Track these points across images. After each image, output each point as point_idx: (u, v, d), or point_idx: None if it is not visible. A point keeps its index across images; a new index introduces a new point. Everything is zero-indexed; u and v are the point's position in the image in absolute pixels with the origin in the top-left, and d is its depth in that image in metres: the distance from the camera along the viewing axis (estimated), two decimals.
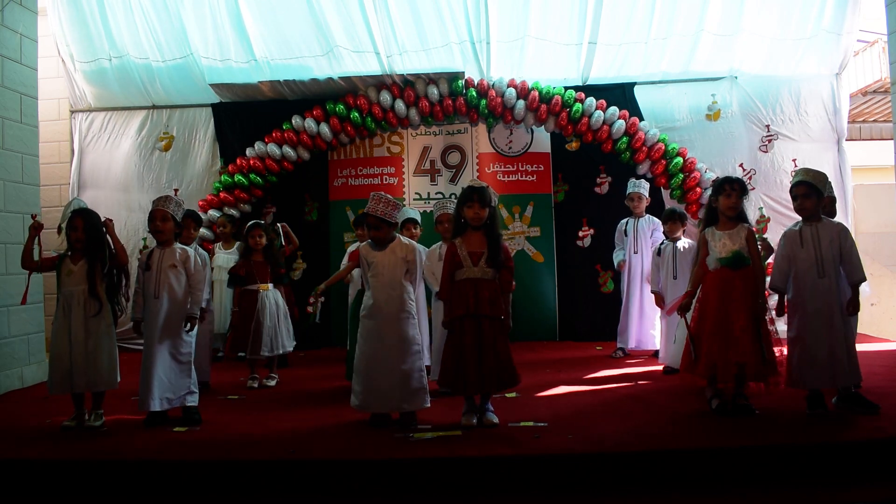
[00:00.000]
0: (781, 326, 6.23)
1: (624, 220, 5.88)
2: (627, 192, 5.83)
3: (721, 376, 3.65)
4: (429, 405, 3.63)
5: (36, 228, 3.81)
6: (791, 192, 3.75)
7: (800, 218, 3.74)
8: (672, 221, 5.02)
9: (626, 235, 5.79)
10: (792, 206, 6.47)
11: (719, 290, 3.67)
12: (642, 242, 5.66)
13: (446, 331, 3.65)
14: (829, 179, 3.81)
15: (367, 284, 3.72)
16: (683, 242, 5.03)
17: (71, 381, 3.70)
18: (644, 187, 5.82)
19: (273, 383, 4.96)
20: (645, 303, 5.56)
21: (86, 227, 3.75)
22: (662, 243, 5.15)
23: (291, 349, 5.18)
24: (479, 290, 3.51)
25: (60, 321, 3.73)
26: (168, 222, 3.81)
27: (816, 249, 3.60)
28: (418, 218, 5.18)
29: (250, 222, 5.18)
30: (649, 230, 5.68)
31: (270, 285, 5.02)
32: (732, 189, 3.74)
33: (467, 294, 3.51)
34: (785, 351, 3.77)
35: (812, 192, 3.65)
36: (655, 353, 5.41)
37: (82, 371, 3.69)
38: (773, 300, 6.23)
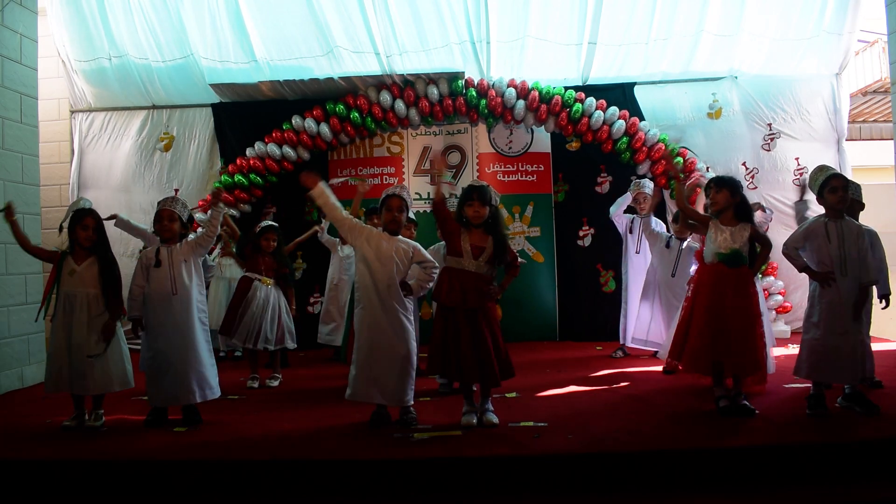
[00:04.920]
0: (782, 326, 6.28)
1: (629, 216, 5.78)
2: (631, 192, 5.76)
3: (718, 373, 3.67)
4: (411, 402, 3.66)
5: (8, 212, 3.79)
6: (830, 184, 3.68)
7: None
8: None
9: (630, 233, 5.76)
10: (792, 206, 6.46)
11: (712, 286, 3.68)
12: (645, 243, 5.63)
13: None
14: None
15: (367, 267, 3.64)
16: (691, 243, 5.02)
17: (69, 382, 3.69)
18: (647, 186, 5.79)
19: (276, 384, 4.96)
20: (657, 301, 5.29)
21: (97, 226, 3.77)
22: (672, 236, 5.13)
23: (272, 348, 5.02)
24: (474, 283, 3.55)
25: (60, 320, 3.72)
26: (175, 222, 3.83)
27: (841, 248, 3.61)
28: (414, 218, 5.19)
29: (264, 224, 5.19)
30: (659, 227, 5.63)
31: (271, 281, 5.05)
32: (709, 188, 3.82)
33: (457, 287, 3.54)
34: (784, 348, 3.78)
35: (849, 188, 3.69)
36: (655, 353, 5.39)
37: (83, 374, 3.67)
38: (772, 301, 6.27)
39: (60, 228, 3.85)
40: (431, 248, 4.58)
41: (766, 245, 3.81)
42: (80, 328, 3.69)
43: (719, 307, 3.63)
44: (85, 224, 3.75)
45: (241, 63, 6.73)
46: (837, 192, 3.67)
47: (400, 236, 3.76)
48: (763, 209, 5.13)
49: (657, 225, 5.51)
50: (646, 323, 5.36)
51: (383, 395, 3.61)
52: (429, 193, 6.92)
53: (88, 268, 3.74)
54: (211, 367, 3.85)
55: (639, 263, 5.65)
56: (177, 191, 6.98)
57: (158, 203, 3.89)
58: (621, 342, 5.77)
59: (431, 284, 3.72)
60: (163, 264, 3.76)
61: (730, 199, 3.74)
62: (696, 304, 3.76)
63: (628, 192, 5.67)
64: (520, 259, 3.85)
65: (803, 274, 3.75)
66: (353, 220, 3.77)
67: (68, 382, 3.70)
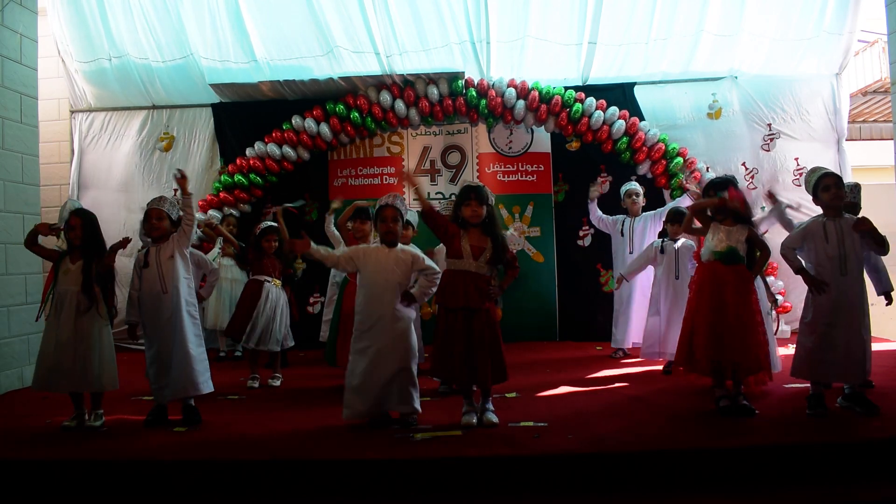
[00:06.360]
0: (782, 326, 6.28)
1: (620, 217, 5.83)
2: (625, 190, 5.81)
3: (718, 373, 3.68)
4: (419, 409, 3.64)
5: (44, 229, 3.87)
6: (822, 183, 3.70)
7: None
8: (678, 224, 4.98)
9: (622, 236, 5.76)
10: (793, 206, 6.48)
11: (711, 284, 3.70)
12: (637, 242, 5.63)
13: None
14: None
15: (369, 290, 3.65)
16: (686, 242, 5.02)
17: (56, 381, 3.70)
18: (638, 186, 5.82)
19: (277, 383, 4.97)
20: (669, 309, 5.01)
21: (83, 224, 3.81)
22: (664, 241, 5.12)
23: (279, 349, 5.08)
24: (475, 283, 3.55)
25: (52, 319, 3.77)
26: (164, 220, 3.86)
27: (841, 246, 3.61)
28: (414, 219, 5.20)
29: (264, 225, 5.20)
30: (650, 227, 5.64)
31: (279, 282, 5.10)
32: (710, 194, 3.82)
33: (460, 288, 3.54)
34: (779, 350, 3.77)
35: (842, 185, 3.70)
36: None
37: (69, 372, 3.69)
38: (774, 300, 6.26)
39: (56, 232, 3.88)
40: (437, 248, 4.57)
41: (765, 249, 3.81)
42: (67, 327, 3.71)
43: (719, 305, 3.63)
44: (71, 224, 3.81)
45: (241, 63, 6.73)
46: (830, 189, 3.69)
47: (399, 245, 3.75)
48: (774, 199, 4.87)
49: (647, 236, 5.53)
50: (659, 334, 5.06)
51: (391, 404, 3.61)
52: (429, 194, 6.92)
53: (79, 267, 3.78)
54: (201, 361, 3.87)
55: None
56: (175, 191, 6.97)
57: (147, 204, 3.93)
58: (613, 346, 5.76)
59: (434, 289, 3.68)
60: (151, 264, 3.80)
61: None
62: (696, 305, 3.76)
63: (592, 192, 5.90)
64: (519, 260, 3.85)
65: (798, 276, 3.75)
66: (347, 251, 3.79)
67: (56, 381, 3.71)
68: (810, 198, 3.87)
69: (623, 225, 5.76)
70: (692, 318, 3.79)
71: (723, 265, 3.68)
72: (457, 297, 3.54)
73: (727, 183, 3.84)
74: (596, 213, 5.91)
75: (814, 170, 3.84)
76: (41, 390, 3.82)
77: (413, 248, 3.80)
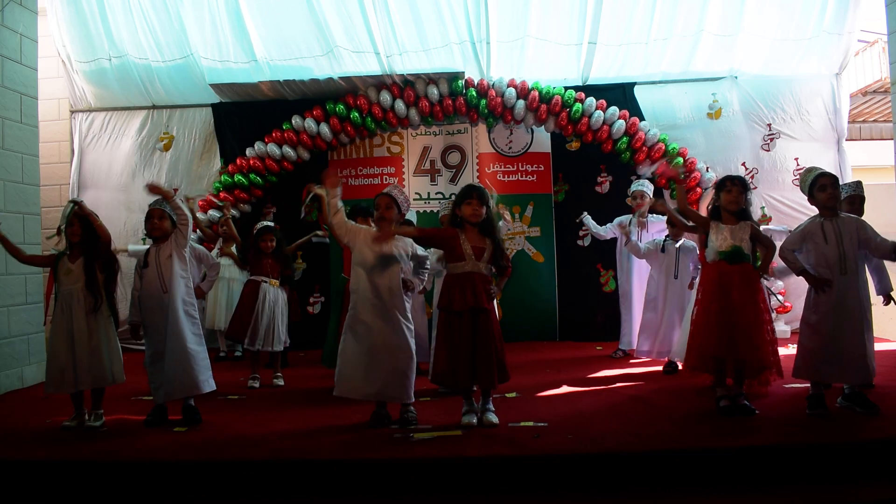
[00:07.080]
0: (782, 327, 6.28)
1: (626, 218, 5.82)
2: (631, 191, 5.80)
3: (719, 372, 3.68)
4: (412, 399, 3.66)
5: None
6: (818, 183, 3.71)
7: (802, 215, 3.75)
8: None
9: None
10: (793, 206, 6.50)
11: (717, 284, 3.69)
12: (647, 238, 5.61)
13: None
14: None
15: (365, 271, 3.66)
16: (686, 242, 5.02)
17: (74, 380, 3.70)
18: (648, 186, 5.81)
19: (282, 382, 4.98)
20: (664, 308, 5.10)
21: (83, 223, 3.81)
22: (666, 239, 5.13)
23: (282, 348, 5.10)
24: (478, 284, 3.55)
25: (59, 320, 3.74)
26: (165, 220, 3.86)
27: (839, 246, 3.61)
28: (414, 219, 5.22)
29: (261, 226, 5.20)
30: (656, 224, 5.63)
31: (277, 282, 5.10)
32: (733, 185, 3.77)
33: (467, 289, 3.53)
34: (784, 348, 3.77)
35: (837, 185, 3.70)
36: (669, 364, 5.09)
37: (86, 369, 3.70)
38: (773, 301, 6.27)
39: (58, 230, 3.88)
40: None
41: (769, 246, 3.80)
42: (81, 325, 3.71)
43: (727, 304, 3.62)
44: (71, 222, 3.81)
45: (241, 63, 6.73)
46: (826, 189, 3.69)
47: (396, 235, 3.76)
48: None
49: (648, 236, 5.50)
50: (654, 333, 5.13)
51: (385, 393, 3.62)
52: (429, 194, 6.93)
53: (80, 265, 3.78)
54: (202, 360, 3.86)
55: (639, 264, 5.64)
56: (176, 190, 6.97)
57: (150, 205, 3.92)
58: (621, 346, 5.76)
59: (426, 274, 3.78)
60: (151, 264, 3.81)
61: (745, 201, 3.76)
62: (702, 305, 3.75)
63: (610, 226, 5.74)
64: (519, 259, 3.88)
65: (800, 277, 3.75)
66: (352, 223, 3.79)
67: (73, 382, 3.70)
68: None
69: (630, 224, 5.74)
70: (698, 318, 3.77)
71: (728, 264, 3.68)
72: (464, 300, 3.51)
73: (747, 185, 3.83)
74: (598, 230, 5.81)
75: (809, 170, 3.84)
76: (60, 393, 3.78)
77: (408, 238, 3.81)
